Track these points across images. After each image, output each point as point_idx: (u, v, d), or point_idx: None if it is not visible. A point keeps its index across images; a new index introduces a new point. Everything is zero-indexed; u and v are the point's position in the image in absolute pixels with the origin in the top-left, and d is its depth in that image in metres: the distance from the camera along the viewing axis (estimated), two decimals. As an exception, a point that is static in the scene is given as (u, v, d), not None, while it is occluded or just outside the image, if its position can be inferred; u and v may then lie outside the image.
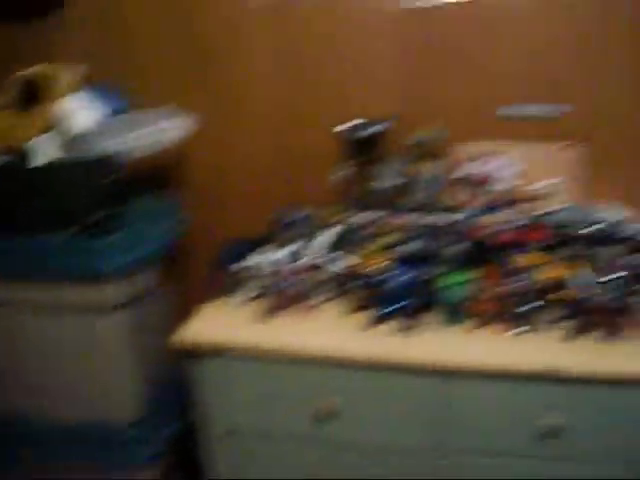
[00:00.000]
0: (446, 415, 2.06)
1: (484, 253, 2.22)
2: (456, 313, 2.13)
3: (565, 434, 1.97)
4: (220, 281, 2.37)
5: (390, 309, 2.12)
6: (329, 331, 2.13)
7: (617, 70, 2.45)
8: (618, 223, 2.27)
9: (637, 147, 2.51)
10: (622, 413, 1.94)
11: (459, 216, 2.32)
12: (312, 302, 2.29)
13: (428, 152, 2.49)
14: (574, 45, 2.45)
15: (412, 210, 2.46)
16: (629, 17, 2.38)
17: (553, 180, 2.43)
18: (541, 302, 2.11)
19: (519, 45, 2.49)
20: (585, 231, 2.23)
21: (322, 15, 2.58)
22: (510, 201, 2.41)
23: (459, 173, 2.51)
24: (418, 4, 2.49)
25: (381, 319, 2.14)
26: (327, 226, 2.42)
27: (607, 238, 2.23)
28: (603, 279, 2.06)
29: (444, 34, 2.52)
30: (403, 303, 2.10)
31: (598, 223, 2.23)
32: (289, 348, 2.07)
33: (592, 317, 2.06)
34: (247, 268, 2.33)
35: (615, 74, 2.45)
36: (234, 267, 2.34)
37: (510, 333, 2.08)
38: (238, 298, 2.33)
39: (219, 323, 2.22)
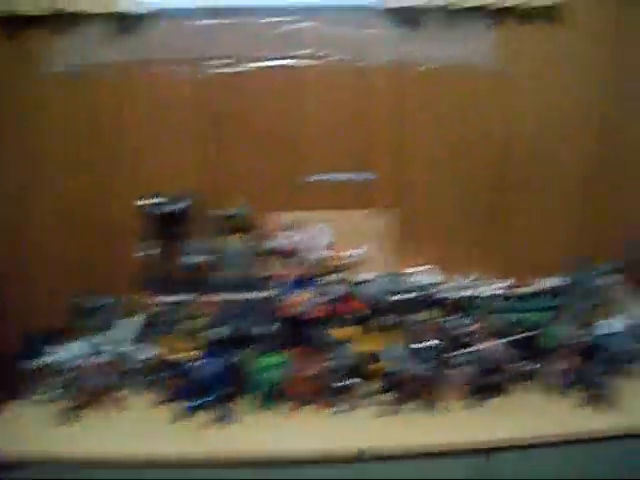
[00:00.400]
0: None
1: (297, 331, 2.16)
2: (270, 397, 2.05)
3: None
4: (17, 380, 2.13)
5: (200, 401, 1.99)
6: (136, 430, 1.97)
7: (422, 140, 2.50)
8: (430, 287, 2.28)
9: (442, 213, 2.57)
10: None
11: (271, 292, 2.22)
12: (117, 396, 2.11)
13: (236, 225, 2.39)
14: (380, 115, 2.48)
15: (222, 287, 2.34)
16: (428, 90, 2.46)
17: (364, 248, 2.42)
18: (356, 377, 2.09)
19: (325, 115, 2.47)
20: (397, 299, 2.21)
21: (123, 84, 2.41)
22: (322, 272, 2.35)
23: (270, 245, 2.43)
24: (219, 71, 2.40)
25: (191, 411, 2.00)
26: (131, 313, 2.22)
27: (420, 304, 2.24)
28: (413, 349, 2.04)
29: (248, 103, 2.45)
30: (213, 394, 1.99)
31: (410, 290, 2.23)
32: (94, 454, 1.88)
33: (406, 389, 2.05)
34: (46, 364, 2.12)
35: (420, 143, 2.51)
36: (33, 363, 2.12)
37: (328, 412, 2.02)
38: (37, 398, 2.11)
39: (17, 429, 1.99)
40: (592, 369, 2.07)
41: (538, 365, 2.13)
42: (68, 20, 2.29)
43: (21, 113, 2.40)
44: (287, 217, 2.44)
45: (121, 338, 2.17)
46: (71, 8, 2.23)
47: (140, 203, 2.38)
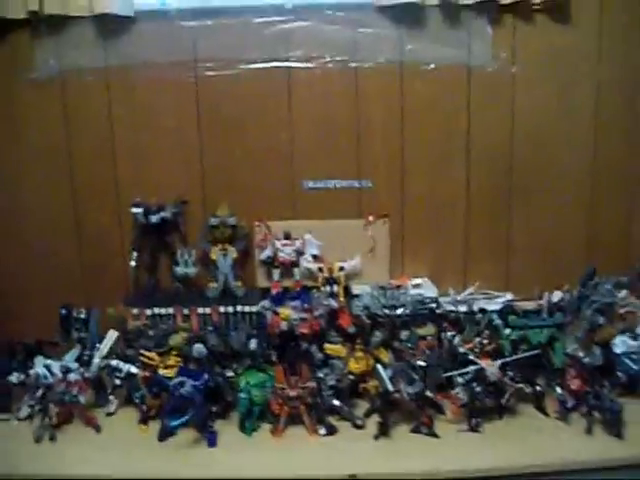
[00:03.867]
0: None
1: (284, 347, 2.06)
2: (252, 419, 1.94)
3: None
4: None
5: (181, 420, 1.87)
6: (114, 449, 1.88)
7: (415, 147, 2.40)
8: (427, 301, 2.16)
9: (441, 222, 2.47)
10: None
11: (258, 305, 2.10)
12: (95, 414, 2.03)
13: (224, 235, 2.29)
14: (376, 119, 2.38)
15: (210, 300, 2.25)
16: (427, 91, 2.36)
17: (357, 259, 2.31)
18: (347, 397, 2.00)
19: (319, 118, 2.38)
20: (392, 313, 2.09)
21: (109, 88, 2.33)
22: (313, 284, 2.25)
23: (263, 255, 2.33)
24: (207, 73, 2.31)
25: (172, 429, 1.90)
26: (114, 326, 2.12)
27: (416, 319, 2.13)
28: (408, 367, 1.94)
29: (239, 106, 2.36)
30: (195, 412, 1.87)
31: (405, 305, 2.12)
32: (67, 474, 1.79)
33: (400, 410, 1.94)
34: (26, 379, 2.03)
35: (413, 151, 2.40)
36: (12, 377, 2.04)
37: (315, 435, 1.91)
38: (17, 414, 2.03)
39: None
40: (603, 391, 1.91)
41: (543, 387, 1.99)
42: (50, 23, 2.23)
43: (5, 121, 2.35)
44: (278, 226, 2.35)
45: (104, 352, 2.06)
46: (53, 11, 2.16)
47: (131, 211, 2.31)
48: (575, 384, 1.95)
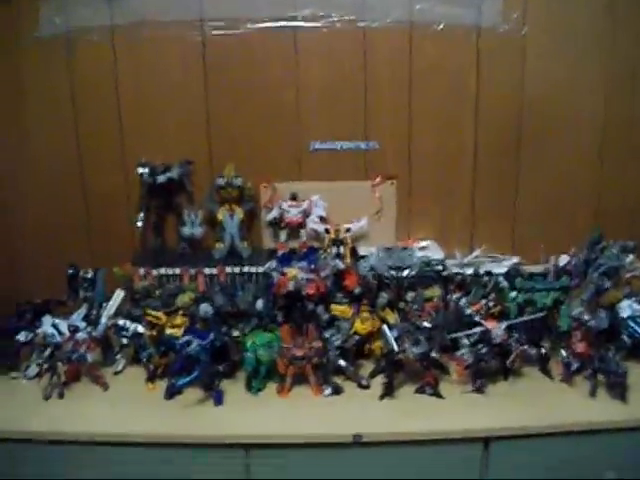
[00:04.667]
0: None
1: (291, 307, 2.06)
2: (258, 379, 1.94)
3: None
4: (5, 353, 2.06)
5: (187, 379, 1.89)
6: (124, 407, 1.89)
7: (423, 108, 2.37)
8: (434, 263, 2.16)
9: (449, 183, 2.44)
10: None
11: (265, 266, 2.10)
12: (104, 372, 2.04)
13: (230, 195, 2.27)
14: (385, 79, 2.34)
15: (216, 260, 2.25)
16: (436, 52, 2.32)
17: (364, 220, 2.30)
18: (352, 358, 2.01)
19: (326, 79, 2.35)
20: (398, 275, 2.08)
21: (116, 47, 2.30)
22: (320, 246, 2.25)
23: (270, 216, 2.32)
24: (214, 33, 2.28)
25: (179, 388, 1.91)
26: (121, 286, 2.12)
27: (422, 280, 2.13)
28: (413, 328, 1.93)
29: (245, 66, 2.33)
30: (201, 371, 1.88)
31: (412, 266, 2.10)
32: (76, 432, 1.79)
33: (405, 370, 1.95)
34: (34, 337, 2.04)
35: (421, 112, 2.37)
36: (21, 336, 2.05)
37: (321, 395, 1.92)
38: (26, 372, 2.04)
39: (5, 406, 1.92)
40: (608, 355, 1.90)
41: (548, 349, 2.00)
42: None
43: (6, 79, 2.33)
44: (285, 188, 2.34)
45: (111, 312, 2.07)
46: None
47: (137, 170, 2.29)
48: (580, 347, 1.94)
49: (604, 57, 2.32)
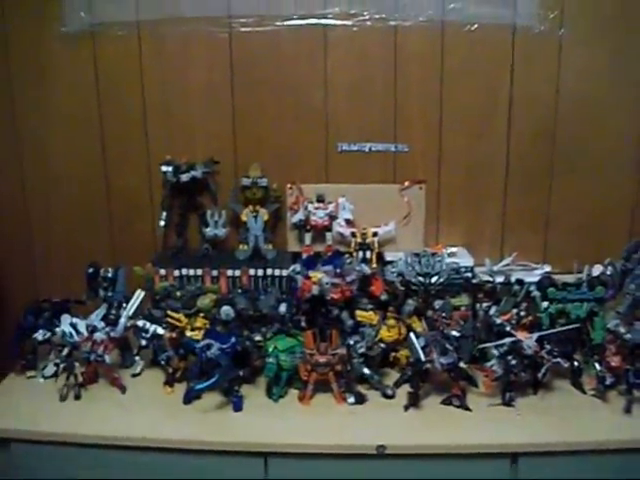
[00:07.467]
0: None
1: (315, 312, 2.00)
2: (281, 383, 1.90)
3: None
4: (22, 351, 2.03)
5: (207, 383, 1.84)
6: (141, 410, 1.86)
7: (454, 111, 2.31)
8: (463, 270, 2.10)
9: (475, 191, 2.39)
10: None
11: (291, 269, 2.06)
12: (122, 374, 2.01)
13: (255, 196, 2.23)
14: (415, 80, 2.30)
15: (240, 262, 2.21)
16: (469, 52, 2.27)
17: (392, 225, 2.25)
18: (377, 366, 1.96)
19: (355, 79, 2.30)
20: (426, 282, 2.03)
21: (142, 43, 2.28)
22: (346, 250, 2.21)
23: (295, 218, 2.28)
24: (242, 30, 2.24)
25: (198, 392, 1.87)
26: (142, 286, 2.09)
27: (451, 288, 2.07)
28: (441, 337, 1.87)
29: (273, 65, 2.29)
30: (219, 376, 1.83)
31: (440, 273, 2.04)
32: (92, 435, 1.76)
33: (431, 381, 1.89)
34: (52, 337, 2.01)
35: (452, 115, 2.32)
36: (38, 335, 2.02)
37: (344, 404, 1.87)
38: (42, 371, 2.02)
39: (20, 405, 1.89)
40: (643, 370, 1.82)
41: (581, 362, 1.93)
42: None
43: (32, 74, 2.31)
44: (311, 189, 2.30)
45: (130, 312, 2.03)
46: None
47: (161, 169, 2.27)
48: (615, 361, 1.86)
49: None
